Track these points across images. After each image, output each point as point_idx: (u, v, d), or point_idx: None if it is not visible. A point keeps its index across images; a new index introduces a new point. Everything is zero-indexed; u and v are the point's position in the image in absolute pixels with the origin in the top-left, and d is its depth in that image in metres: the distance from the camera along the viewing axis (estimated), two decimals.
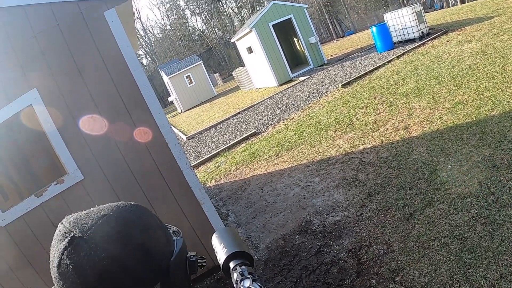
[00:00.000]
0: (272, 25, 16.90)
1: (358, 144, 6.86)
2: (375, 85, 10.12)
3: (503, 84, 6.71)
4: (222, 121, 15.03)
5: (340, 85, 11.46)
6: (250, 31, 16.88)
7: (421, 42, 12.87)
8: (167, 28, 58.47)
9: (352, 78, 11.63)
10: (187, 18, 58.45)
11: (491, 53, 8.70)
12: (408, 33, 13.90)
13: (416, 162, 5.39)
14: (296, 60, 19.36)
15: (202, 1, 53.80)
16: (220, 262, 0.96)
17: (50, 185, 3.90)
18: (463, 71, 8.27)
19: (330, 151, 7.17)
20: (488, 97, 6.44)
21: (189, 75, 27.56)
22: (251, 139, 10.58)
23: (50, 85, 3.84)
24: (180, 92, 27.48)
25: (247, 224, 6.15)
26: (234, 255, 0.94)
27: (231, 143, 10.89)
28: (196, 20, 58.75)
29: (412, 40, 13.84)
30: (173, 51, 54.31)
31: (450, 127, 5.99)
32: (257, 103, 15.21)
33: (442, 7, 22.54)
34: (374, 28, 14.07)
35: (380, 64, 12.07)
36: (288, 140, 9.01)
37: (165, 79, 28.39)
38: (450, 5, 22.01)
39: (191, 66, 27.42)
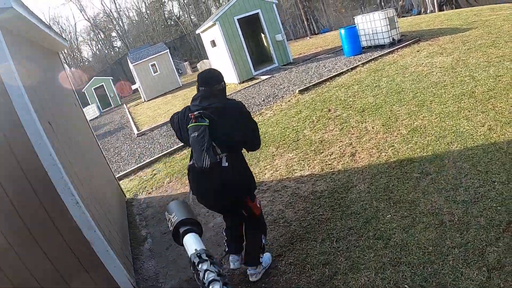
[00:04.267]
0: (238, 19, 15.72)
1: (296, 169, 5.85)
2: (332, 95, 9.15)
3: (468, 111, 5.81)
4: None
5: (297, 91, 10.46)
6: (214, 24, 15.70)
7: (390, 50, 11.98)
8: (142, 11, 56.49)
9: (311, 84, 10.64)
10: (164, 1, 56.50)
11: (461, 71, 7.83)
12: (378, 39, 12.99)
13: (353, 203, 4.41)
14: (262, 57, 18.21)
15: None
16: (170, 229, 1.24)
17: None
18: (428, 89, 7.36)
19: (265, 174, 6.15)
20: (450, 126, 5.52)
21: (154, 64, 26.14)
22: None
23: None
24: (144, 80, 26.05)
25: (159, 255, 5.15)
26: (183, 222, 1.22)
27: (175, 147, 9.79)
28: (173, 5, 56.74)
29: (382, 46, 12.95)
30: (147, 35, 52.42)
31: (401, 160, 5.03)
32: None
33: (419, 13, 21.80)
34: (342, 31, 13.10)
35: (343, 70, 11.12)
36: None
37: (130, 66, 26.87)
38: (427, 11, 21.27)
39: (157, 54, 26.00)
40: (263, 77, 14.94)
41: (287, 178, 5.67)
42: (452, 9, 20.22)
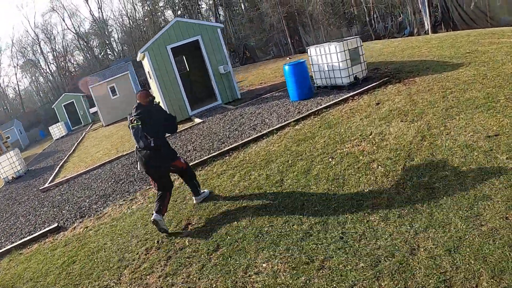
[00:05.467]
0: (172, 48, 12.43)
1: None
2: (215, 184, 5.84)
3: None
4: (82, 173, 10.68)
5: None
6: (144, 55, 12.50)
7: (345, 96, 8.58)
8: (136, 17, 53.99)
9: (211, 156, 7.33)
10: (161, 10, 53.80)
11: (418, 167, 4.39)
12: (335, 77, 9.55)
13: None
14: (208, 92, 14.82)
15: None
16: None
17: None
18: (339, 217, 3.97)
19: None
20: None
21: (113, 86, 23.10)
22: (46, 239, 6.51)
23: None
24: (103, 104, 23.08)
25: None
26: None
27: (39, 232, 6.85)
28: (164, 15, 53.93)
29: (340, 88, 9.50)
30: (140, 44, 49.66)
31: None
32: (124, 155, 10.91)
33: (411, 34, 18.34)
34: (286, 67, 9.67)
35: (266, 131, 7.74)
36: (49, 271, 4.86)
37: (89, 88, 23.94)
38: (422, 32, 17.85)
39: (117, 76, 22.98)
40: (197, 120, 11.65)
41: None
42: (447, 31, 16.74)
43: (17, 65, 54.22)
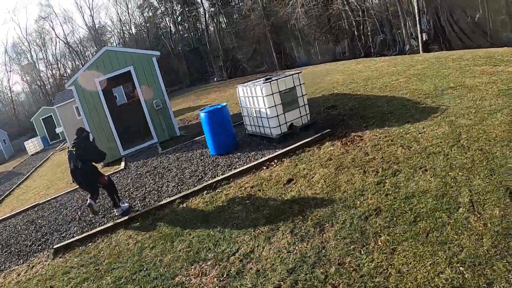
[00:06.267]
0: (101, 81, 10.94)
1: None
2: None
3: None
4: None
5: (52, 250, 5.83)
6: (70, 90, 11.01)
7: (262, 160, 6.79)
8: (136, 24, 52.87)
9: (77, 238, 5.71)
10: (160, 17, 52.41)
11: None
12: (263, 126, 7.66)
13: None
14: (147, 129, 13.01)
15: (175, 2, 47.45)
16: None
17: None
18: None
19: None
20: None
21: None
22: None
23: None
24: (68, 124, 21.72)
25: None
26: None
27: None
28: (164, 20, 52.50)
29: (270, 140, 7.59)
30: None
31: None
32: (41, 203, 9.35)
33: (401, 51, 16.36)
34: (202, 114, 7.81)
35: (145, 210, 6.08)
36: None
37: (54, 108, 22.75)
38: (415, 48, 15.86)
39: None
40: (122, 165, 10.06)
41: None
42: (441, 49, 14.67)
43: (10, 71, 53.67)
